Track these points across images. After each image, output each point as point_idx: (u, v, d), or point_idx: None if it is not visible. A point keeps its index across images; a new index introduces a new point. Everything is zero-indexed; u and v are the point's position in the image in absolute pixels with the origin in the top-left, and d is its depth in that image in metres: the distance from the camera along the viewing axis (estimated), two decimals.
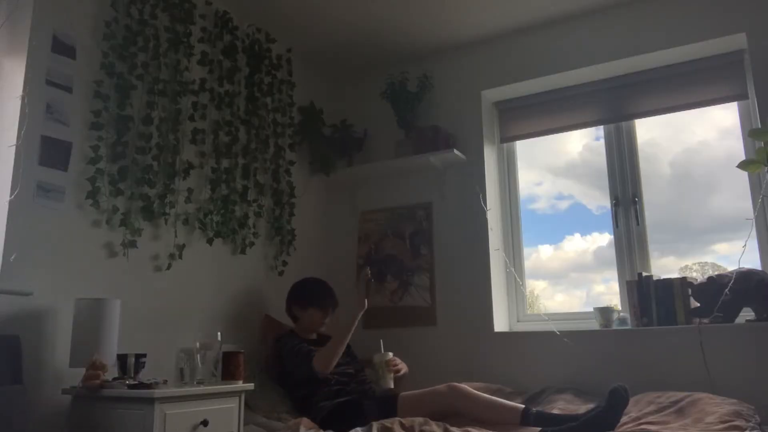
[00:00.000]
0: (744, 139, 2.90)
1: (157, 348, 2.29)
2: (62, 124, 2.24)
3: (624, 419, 2.22)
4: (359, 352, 3.06)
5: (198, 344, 2.19)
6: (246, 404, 2.45)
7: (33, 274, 2.08)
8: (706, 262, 3.11)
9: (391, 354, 2.74)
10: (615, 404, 2.11)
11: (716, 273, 2.76)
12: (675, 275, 2.87)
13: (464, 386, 2.48)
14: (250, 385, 2.30)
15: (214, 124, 2.92)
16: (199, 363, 2.17)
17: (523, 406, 2.37)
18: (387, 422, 2.12)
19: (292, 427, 2.29)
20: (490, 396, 2.47)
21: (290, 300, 2.95)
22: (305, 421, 2.37)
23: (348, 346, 3.01)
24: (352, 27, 3.32)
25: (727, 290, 2.57)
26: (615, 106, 3.23)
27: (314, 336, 2.93)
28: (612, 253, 3.15)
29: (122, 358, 2.11)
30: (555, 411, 2.46)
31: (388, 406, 2.48)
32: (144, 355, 2.15)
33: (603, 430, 2.07)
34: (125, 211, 2.43)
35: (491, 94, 3.50)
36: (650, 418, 2.21)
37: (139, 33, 2.55)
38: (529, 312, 3.33)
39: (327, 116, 3.66)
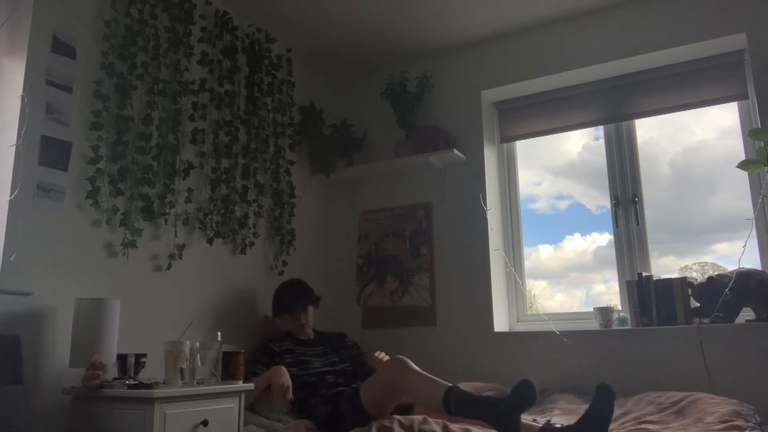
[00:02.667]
0: (744, 139, 2.90)
1: (157, 348, 2.29)
2: (62, 124, 2.24)
3: (624, 419, 2.21)
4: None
5: (198, 344, 2.19)
6: (246, 405, 2.43)
7: (33, 274, 2.08)
8: (706, 262, 3.12)
9: None
10: (604, 399, 2.03)
11: (716, 273, 2.77)
12: (675, 275, 2.87)
13: (407, 360, 2.36)
14: (250, 385, 2.30)
15: (214, 124, 2.92)
16: (199, 363, 2.17)
17: (450, 384, 2.23)
18: (386, 422, 2.12)
19: (293, 428, 2.29)
20: (426, 373, 2.32)
21: (272, 309, 2.95)
22: (306, 422, 2.37)
23: (343, 337, 2.99)
24: (352, 26, 3.32)
25: (727, 290, 2.57)
26: (615, 106, 3.24)
27: (311, 335, 2.92)
28: (612, 253, 3.16)
29: (122, 358, 2.11)
30: (556, 411, 2.45)
31: (355, 398, 2.41)
32: (144, 355, 2.15)
33: (600, 426, 2.03)
34: (125, 211, 2.43)
35: (491, 94, 3.50)
36: (650, 418, 2.22)
37: (139, 33, 2.55)
38: (529, 312, 3.33)
39: (327, 116, 3.66)
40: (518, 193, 3.50)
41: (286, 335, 2.86)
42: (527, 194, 3.56)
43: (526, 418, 2.34)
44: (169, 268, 2.61)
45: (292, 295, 2.90)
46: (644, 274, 2.88)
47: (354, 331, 3.36)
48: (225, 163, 2.94)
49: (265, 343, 2.80)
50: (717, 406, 2.16)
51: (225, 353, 2.28)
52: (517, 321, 3.30)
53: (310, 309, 2.90)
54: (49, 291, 2.12)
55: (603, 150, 3.29)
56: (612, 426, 2.18)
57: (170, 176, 2.63)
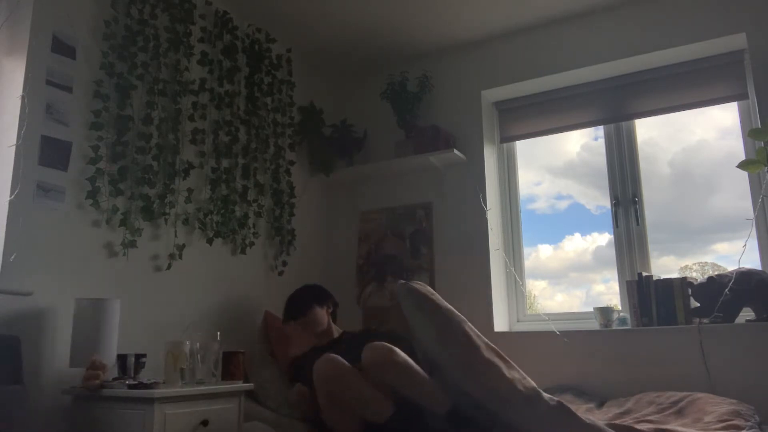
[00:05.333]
0: (744, 139, 2.90)
1: (157, 348, 2.29)
2: (62, 124, 2.24)
3: (625, 418, 2.22)
4: None
5: (198, 344, 2.19)
6: (254, 398, 2.42)
7: (33, 274, 2.08)
8: (706, 262, 3.12)
9: None
10: None
11: (716, 273, 2.77)
12: (675, 275, 2.87)
13: (338, 360, 2.12)
14: (250, 385, 2.31)
15: (214, 124, 2.92)
16: (199, 363, 2.17)
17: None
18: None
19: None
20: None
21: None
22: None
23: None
24: (352, 27, 3.32)
25: (727, 290, 2.57)
26: (615, 106, 3.24)
27: (324, 341, 2.73)
28: (612, 253, 3.15)
29: (122, 358, 2.11)
30: None
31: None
32: (144, 355, 2.15)
33: None
34: (125, 211, 2.43)
35: (491, 94, 3.50)
36: (650, 418, 2.22)
37: (139, 33, 2.55)
38: (529, 312, 3.33)
39: (327, 116, 3.66)
40: (518, 193, 3.50)
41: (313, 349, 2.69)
42: (527, 194, 3.57)
43: None
44: (169, 268, 2.61)
45: (286, 307, 2.81)
46: (644, 274, 2.88)
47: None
48: (225, 163, 2.94)
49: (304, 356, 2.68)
50: (716, 406, 2.16)
51: (225, 353, 2.28)
52: (517, 321, 3.30)
53: (291, 324, 2.75)
54: (49, 291, 2.12)
55: (603, 150, 3.29)
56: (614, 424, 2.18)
57: (170, 176, 2.63)
